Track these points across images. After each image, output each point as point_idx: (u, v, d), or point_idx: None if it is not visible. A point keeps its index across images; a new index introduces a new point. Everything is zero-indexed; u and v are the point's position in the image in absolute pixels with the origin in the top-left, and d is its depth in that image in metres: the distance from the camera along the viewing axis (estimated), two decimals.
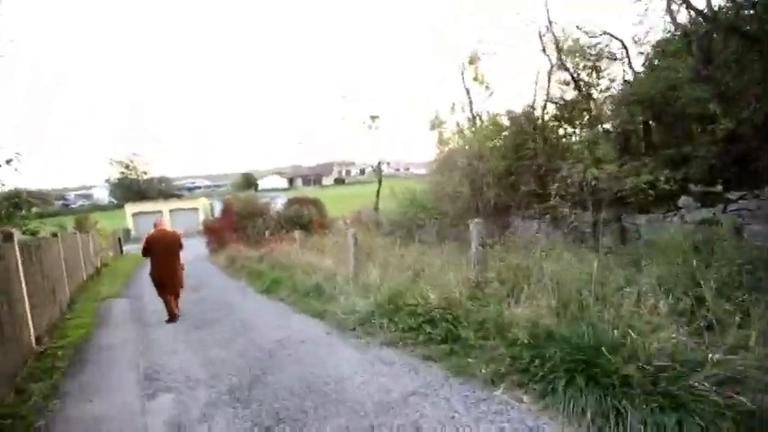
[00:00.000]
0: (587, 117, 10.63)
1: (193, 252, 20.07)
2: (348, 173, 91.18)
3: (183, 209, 33.90)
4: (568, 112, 11.23)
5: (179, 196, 45.25)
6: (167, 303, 6.92)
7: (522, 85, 30.88)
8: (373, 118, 24.52)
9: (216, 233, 17.00)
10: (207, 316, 7.06)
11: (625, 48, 10.64)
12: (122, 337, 6.28)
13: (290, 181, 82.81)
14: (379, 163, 26.26)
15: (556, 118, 11.84)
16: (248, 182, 69.96)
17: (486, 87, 15.77)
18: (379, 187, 27.23)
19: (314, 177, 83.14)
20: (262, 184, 72.27)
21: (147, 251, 6.93)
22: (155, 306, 8.08)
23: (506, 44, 21.09)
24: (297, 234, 11.37)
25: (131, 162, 60.47)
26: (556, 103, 11.78)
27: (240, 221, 17.00)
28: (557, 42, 11.11)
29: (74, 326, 7.28)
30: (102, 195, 71.92)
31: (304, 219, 16.78)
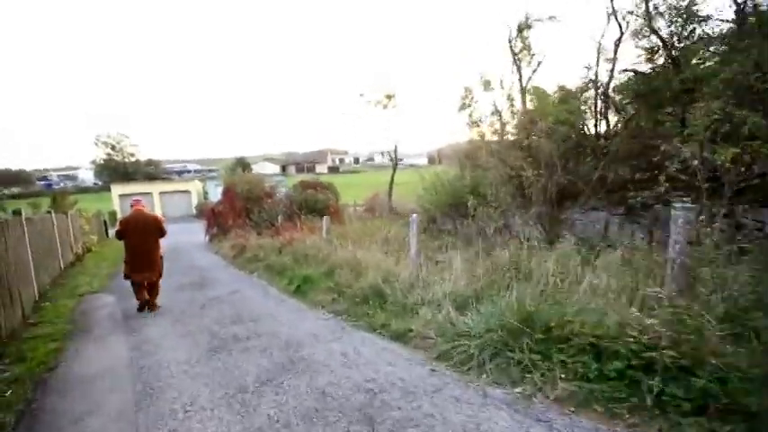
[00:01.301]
0: (681, 89, 8.77)
1: (189, 238, 17.90)
2: (342, 161, 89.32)
3: (175, 191, 31.45)
4: (654, 83, 9.36)
5: (170, 179, 42.64)
6: (137, 288, 6.23)
7: (576, 57, 28.53)
8: (389, 97, 22.48)
9: (216, 218, 14.87)
10: (228, 330, 5.07)
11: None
12: (107, 361, 4.29)
13: (283, 168, 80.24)
14: (396, 148, 24.19)
15: (634, 92, 9.96)
16: (242, 166, 67.34)
17: (532, 58, 13.89)
18: (394, 173, 25.38)
19: (307, 165, 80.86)
20: (254, 169, 69.76)
21: (121, 233, 6.22)
22: None
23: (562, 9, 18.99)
24: (325, 221, 9.36)
25: (118, 143, 57.89)
26: (635, 73, 9.89)
27: (245, 205, 14.88)
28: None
29: (39, 337, 5.24)
30: (87, 177, 69.31)
31: (320, 204, 14.75)
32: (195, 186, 33.91)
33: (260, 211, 14.35)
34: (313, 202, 14.79)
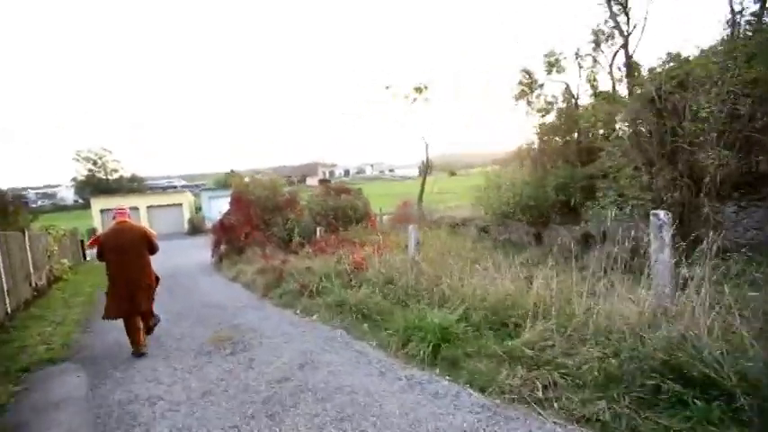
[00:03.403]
0: None
1: (187, 259, 14.56)
2: (332, 173, 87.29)
3: (164, 205, 27.94)
4: None
5: (158, 192, 38.97)
6: (131, 331, 4.78)
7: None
8: (419, 90, 19.69)
9: (226, 233, 11.64)
10: None
11: None
12: None
13: None
14: (427, 153, 21.35)
15: None
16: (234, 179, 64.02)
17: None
18: (424, 181, 22.52)
19: (298, 178, 78.29)
20: None
21: (100, 254, 4.91)
22: (157, 387, 3.63)
23: None
24: (412, 233, 6.27)
25: (100, 159, 54.54)
26: None
27: (263, 216, 11.73)
28: None
29: None
30: (67, 195, 65.74)
31: (358, 212, 11.71)
32: (187, 199, 30.44)
33: (285, 222, 11.22)
34: (349, 210, 11.72)
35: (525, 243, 11.67)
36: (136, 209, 26.79)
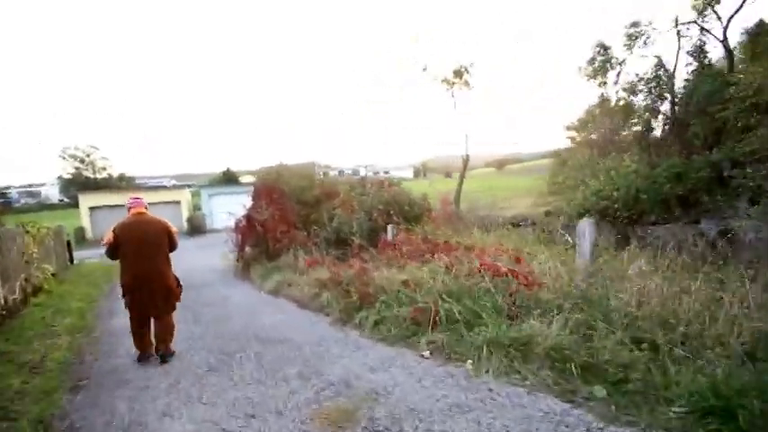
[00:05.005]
0: None
1: (197, 261, 12.16)
2: (326, 174, 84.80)
3: (162, 202, 25.26)
4: None
5: (155, 188, 36.04)
6: (139, 334, 4.21)
7: None
8: (458, 73, 17.48)
9: (254, 232, 9.22)
10: None
11: None
12: None
13: None
14: (467, 138, 19.21)
15: None
16: (229, 179, 61.17)
17: None
18: (462, 179, 20.34)
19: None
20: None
21: (114, 249, 4.13)
22: None
23: None
24: (587, 227, 4.04)
25: (87, 156, 51.78)
26: None
27: (301, 212, 9.39)
28: None
29: None
30: (52, 193, 62.79)
31: (418, 208, 9.44)
32: (185, 197, 27.78)
33: (330, 218, 8.88)
34: (406, 206, 9.42)
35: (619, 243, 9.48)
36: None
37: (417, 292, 4.67)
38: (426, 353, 3.80)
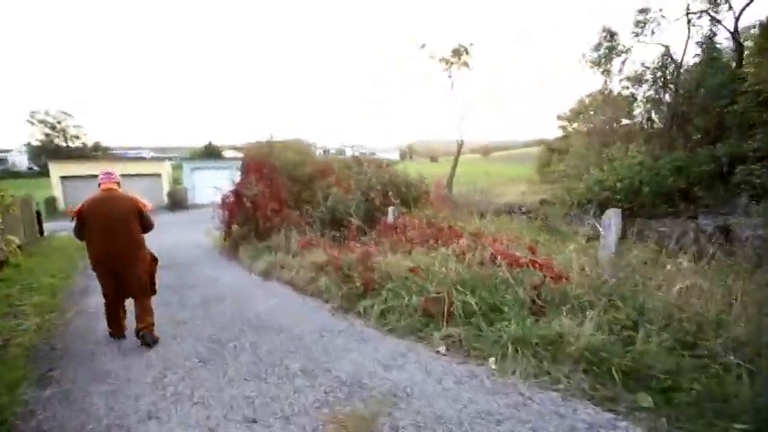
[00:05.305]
0: None
1: (179, 237, 11.59)
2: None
3: (141, 174, 24.07)
4: None
5: (134, 159, 34.30)
6: (111, 314, 3.98)
7: None
8: (457, 52, 16.88)
9: (243, 209, 8.66)
10: None
11: None
12: None
13: None
14: (462, 136, 18.79)
15: None
16: (211, 153, 59.13)
17: None
18: (455, 163, 19.95)
19: None
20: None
21: (80, 227, 3.84)
22: None
23: None
24: (613, 218, 3.79)
25: (59, 123, 49.03)
26: None
27: (293, 189, 8.88)
28: None
29: None
30: (20, 161, 59.73)
31: (413, 191, 9.06)
32: (165, 170, 26.57)
33: (325, 197, 8.42)
34: (403, 187, 9.02)
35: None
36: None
37: (428, 281, 4.34)
38: (442, 348, 3.48)
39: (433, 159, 61.46)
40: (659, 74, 10.26)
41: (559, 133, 33.34)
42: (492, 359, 3.20)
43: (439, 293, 3.99)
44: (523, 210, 12.71)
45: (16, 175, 49.89)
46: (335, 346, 3.69)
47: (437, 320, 3.84)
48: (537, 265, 3.77)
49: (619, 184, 8.65)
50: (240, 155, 28.78)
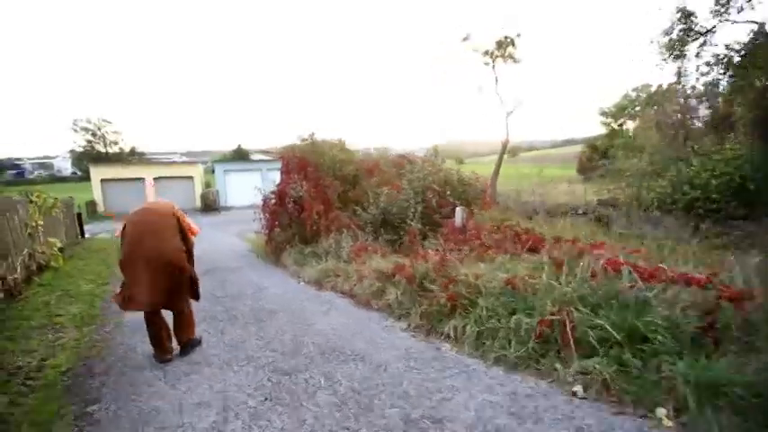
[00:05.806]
0: None
1: (216, 243, 11.16)
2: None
3: (174, 177, 24.21)
4: None
5: (167, 162, 34.85)
6: (155, 330, 3.45)
7: None
8: (502, 45, 15.91)
9: (285, 212, 8.05)
10: None
11: None
12: None
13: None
14: (508, 114, 17.81)
15: None
16: (240, 156, 60.10)
17: None
18: (500, 164, 18.95)
19: None
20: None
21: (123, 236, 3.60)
22: None
23: None
24: None
25: (99, 129, 51.20)
26: None
27: (338, 189, 8.21)
28: None
29: None
30: (64, 166, 62.96)
31: (470, 191, 8.22)
32: (198, 172, 26.66)
33: (376, 197, 7.69)
34: (459, 186, 8.19)
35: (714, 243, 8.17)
36: (141, 180, 23.16)
37: (534, 296, 3.50)
38: (579, 390, 2.64)
39: (459, 161, 60.20)
40: (750, 58, 9.02)
41: (602, 131, 31.58)
42: (662, 410, 2.34)
43: (555, 315, 3.15)
44: (580, 211, 11.61)
45: (61, 179, 52.14)
46: (432, 381, 2.91)
47: (555, 349, 3.01)
48: (694, 281, 2.87)
49: (714, 182, 7.49)
50: (267, 157, 28.75)
